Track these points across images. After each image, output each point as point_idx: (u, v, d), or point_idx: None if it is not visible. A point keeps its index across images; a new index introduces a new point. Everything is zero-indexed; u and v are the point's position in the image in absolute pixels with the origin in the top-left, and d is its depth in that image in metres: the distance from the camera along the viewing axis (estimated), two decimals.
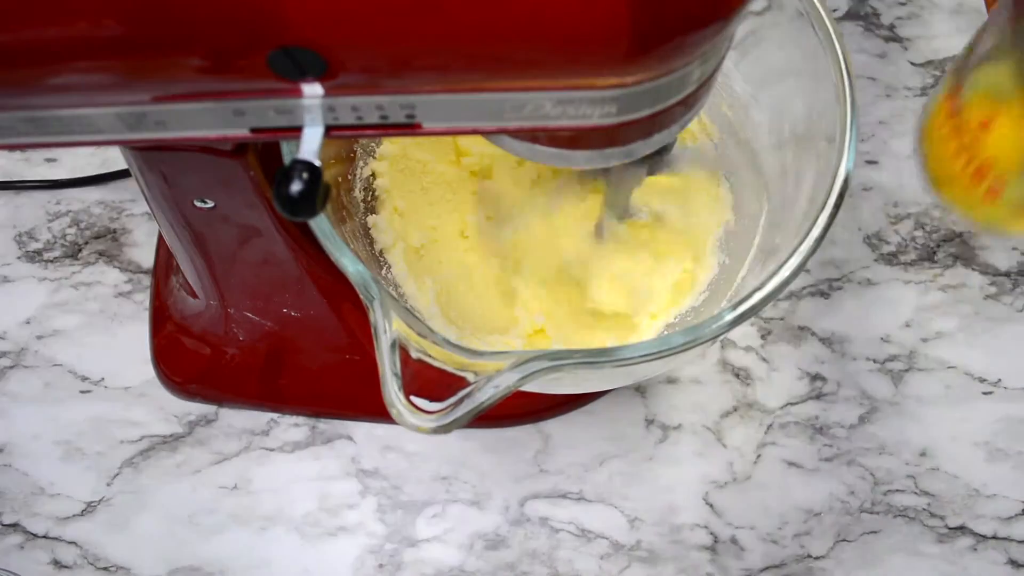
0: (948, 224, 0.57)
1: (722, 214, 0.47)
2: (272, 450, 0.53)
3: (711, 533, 0.51)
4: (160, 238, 0.56)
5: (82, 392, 0.54)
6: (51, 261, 0.57)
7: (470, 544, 0.51)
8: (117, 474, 0.52)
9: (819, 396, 0.54)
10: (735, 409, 0.53)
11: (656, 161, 0.36)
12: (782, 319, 0.55)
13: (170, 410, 0.53)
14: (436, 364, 0.31)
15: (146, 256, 0.57)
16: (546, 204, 0.47)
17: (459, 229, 0.48)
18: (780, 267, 0.34)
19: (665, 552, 0.51)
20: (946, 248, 0.57)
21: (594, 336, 0.46)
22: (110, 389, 0.54)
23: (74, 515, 0.51)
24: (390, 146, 0.47)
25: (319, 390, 0.53)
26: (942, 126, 0.30)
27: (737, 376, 0.54)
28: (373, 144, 0.47)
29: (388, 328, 0.32)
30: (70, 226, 0.58)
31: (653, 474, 0.52)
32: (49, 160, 0.59)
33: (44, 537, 0.51)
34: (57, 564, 0.50)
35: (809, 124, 0.39)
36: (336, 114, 0.26)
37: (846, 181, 0.35)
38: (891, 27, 0.63)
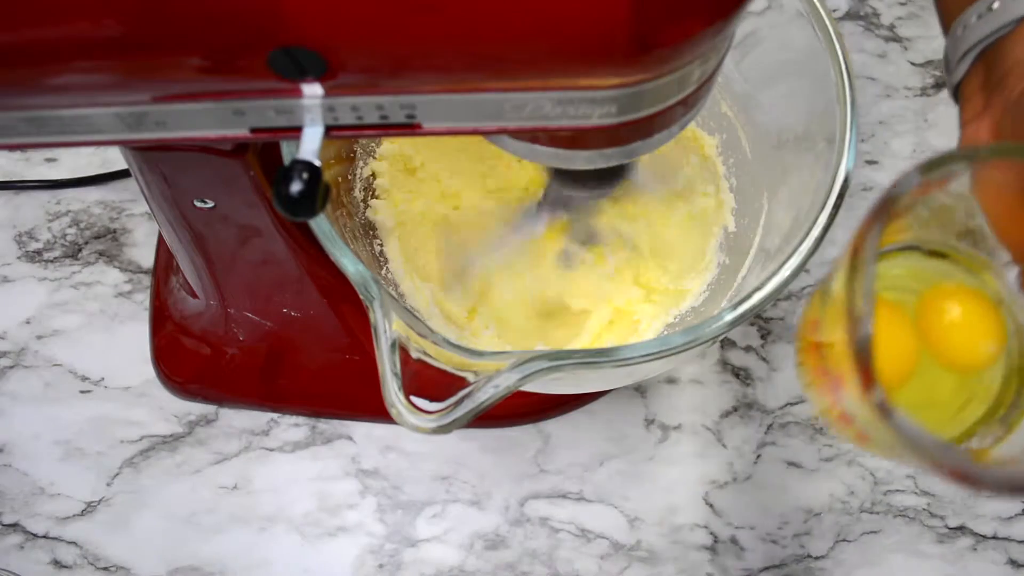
0: None
1: (722, 215, 0.47)
2: (272, 450, 0.53)
3: (711, 533, 0.51)
4: (160, 238, 0.56)
5: (82, 392, 0.54)
6: (51, 261, 0.57)
7: (470, 544, 0.51)
8: (117, 474, 0.52)
9: None
10: (735, 409, 0.53)
11: (612, 183, 0.36)
12: (782, 319, 0.55)
13: (170, 410, 0.53)
14: (436, 364, 0.31)
15: (146, 256, 0.57)
16: (510, 238, 0.47)
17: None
18: (780, 267, 0.34)
19: (665, 552, 0.51)
20: None
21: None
22: (110, 389, 0.54)
23: (74, 515, 0.51)
24: (390, 146, 0.47)
25: (319, 390, 0.53)
26: (808, 360, 0.30)
27: (737, 376, 0.54)
28: (373, 144, 0.47)
29: (388, 328, 0.32)
30: (70, 226, 0.58)
31: (653, 474, 0.52)
32: (49, 160, 0.59)
33: (44, 537, 0.51)
34: (57, 564, 0.50)
35: (809, 124, 0.39)
36: (336, 114, 0.26)
37: (846, 181, 0.35)
38: (891, 27, 0.63)
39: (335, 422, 0.53)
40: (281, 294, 0.48)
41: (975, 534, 0.51)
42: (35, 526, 0.51)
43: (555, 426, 0.53)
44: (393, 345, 0.31)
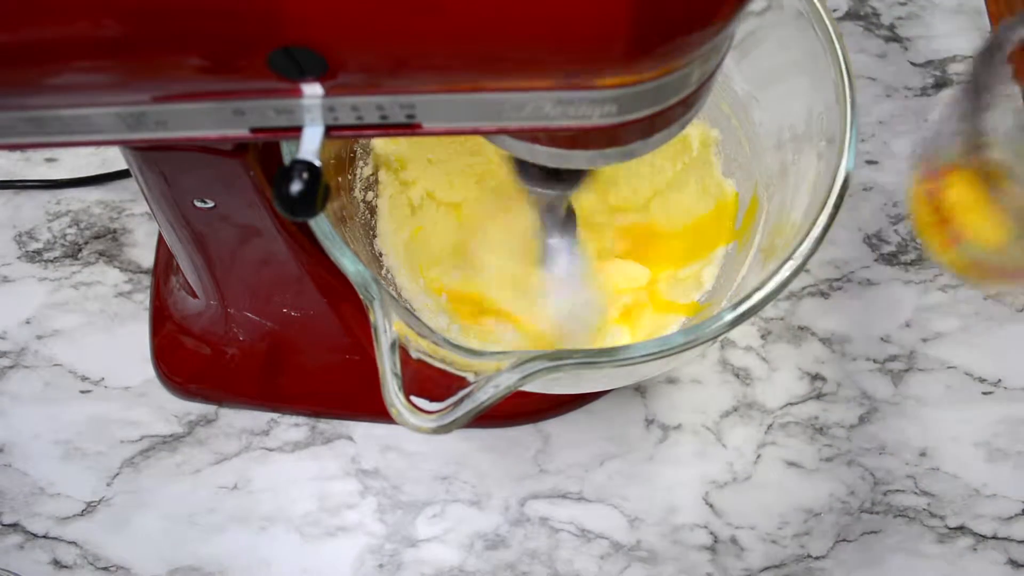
0: None
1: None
2: (272, 450, 0.53)
3: (711, 533, 0.51)
4: (160, 238, 0.56)
5: (82, 392, 0.54)
6: (51, 261, 0.57)
7: (470, 544, 0.51)
8: (117, 474, 0.52)
9: (819, 396, 0.54)
10: (735, 409, 0.53)
11: (574, 182, 0.35)
12: (782, 319, 0.55)
13: (170, 410, 0.53)
14: (436, 364, 0.31)
15: (146, 256, 0.57)
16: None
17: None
18: (780, 267, 0.34)
19: (665, 552, 0.51)
20: None
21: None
22: (110, 389, 0.54)
23: (74, 515, 0.51)
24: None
25: (319, 390, 0.53)
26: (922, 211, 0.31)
27: (737, 376, 0.54)
28: (373, 144, 0.47)
29: (388, 328, 0.32)
30: (70, 226, 0.58)
31: (653, 474, 0.52)
32: (49, 160, 0.59)
33: (44, 537, 0.51)
34: (57, 564, 0.50)
35: (809, 124, 0.39)
36: (336, 114, 0.26)
37: (846, 181, 0.35)
38: (891, 27, 0.63)
39: (335, 422, 0.53)
40: (281, 294, 0.48)
41: (975, 534, 0.51)
42: (35, 526, 0.51)
43: (555, 426, 0.53)
44: (393, 345, 0.31)
